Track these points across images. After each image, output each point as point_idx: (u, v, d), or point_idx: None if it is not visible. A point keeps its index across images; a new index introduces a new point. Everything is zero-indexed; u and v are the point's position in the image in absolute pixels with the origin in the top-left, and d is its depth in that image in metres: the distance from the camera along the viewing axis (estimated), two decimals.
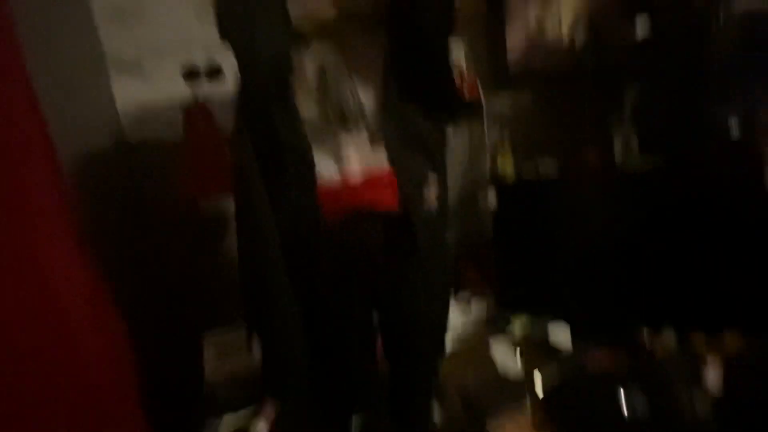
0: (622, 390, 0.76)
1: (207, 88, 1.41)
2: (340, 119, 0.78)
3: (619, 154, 1.36)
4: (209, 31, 1.38)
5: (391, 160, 0.82)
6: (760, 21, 1.11)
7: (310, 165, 0.78)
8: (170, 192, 1.35)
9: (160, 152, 1.39)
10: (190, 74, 1.41)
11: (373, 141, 0.82)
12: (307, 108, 0.78)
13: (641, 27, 1.33)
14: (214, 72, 1.43)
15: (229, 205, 1.35)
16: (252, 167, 0.79)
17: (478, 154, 1.78)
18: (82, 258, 0.97)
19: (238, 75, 0.79)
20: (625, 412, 0.75)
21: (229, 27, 0.73)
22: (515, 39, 1.74)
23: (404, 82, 0.81)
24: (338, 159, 0.81)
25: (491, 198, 1.56)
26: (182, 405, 1.13)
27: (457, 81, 1.73)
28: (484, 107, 1.74)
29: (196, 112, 1.22)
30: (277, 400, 1.00)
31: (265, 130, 0.77)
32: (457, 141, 1.78)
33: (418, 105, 0.84)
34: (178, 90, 1.39)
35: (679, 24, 1.23)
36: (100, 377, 0.89)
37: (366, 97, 0.80)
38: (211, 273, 1.37)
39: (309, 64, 0.78)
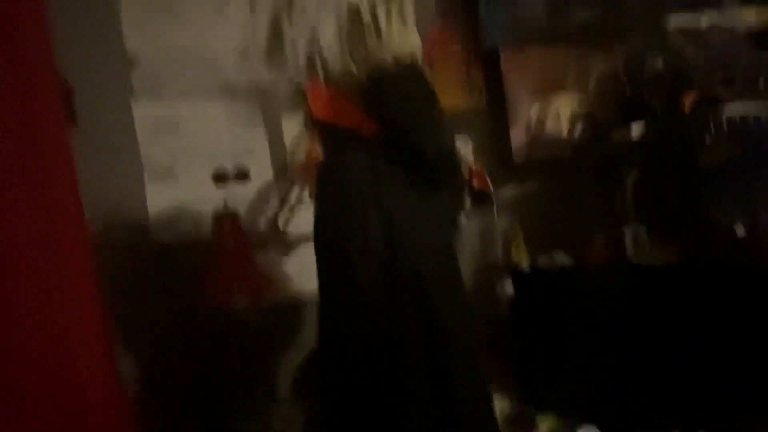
0: None
1: (234, 190, 1.50)
2: None
3: (630, 246, 1.41)
4: (238, 139, 1.52)
5: None
6: (752, 127, 1.21)
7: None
8: (197, 292, 1.38)
9: (187, 252, 1.43)
10: (219, 177, 1.51)
11: None
12: None
13: (636, 129, 1.45)
14: (242, 175, 1.53)
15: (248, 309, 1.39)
16: None
17: (489, 241, 1.84)
18: (111, 354, 0.98)
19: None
20: None
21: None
22: (518, 133, 1.88)
23: None
24: None
25: (508, 286, 1.58)
26: None
27: (467, 174, 1.84)
28: (493, 196, 1.84)
29: (225, 219, 1.29)
30: None
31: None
32: (469, 230, 1.84)
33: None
34: (207, 192, 1.48)
35: (672, 130, 1.34)
36: None
37: None
38: (234, 375, 1.36)
39: None
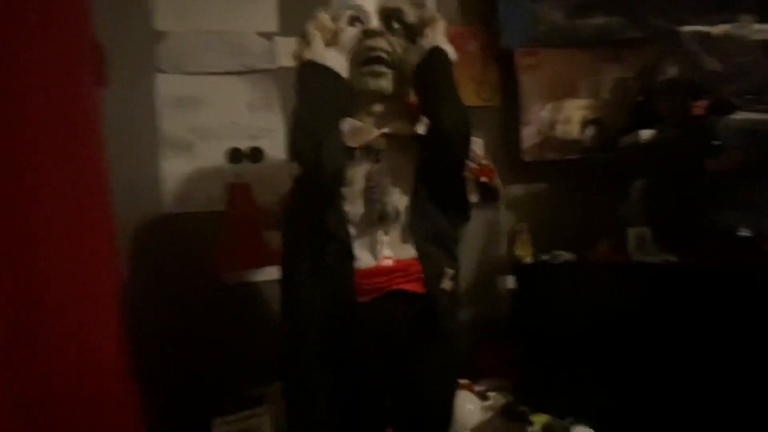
0: None
1: (248, 169, 1.54)
2: (380, 220, 0.97)
3: (633, 246, 1.41)
4: (256, 120, 1.56)
5: (418, 253, 1.00)
6: (763, 133, 1.22)
7: (350, 254, 0.96)
8: (201, 262, 1.41)
9: (196, 224, 1.47)
10: (234, 155, 1.55)
11: (403, 238, 1.00)
12: (354, 209, 0.97)
13: (644, 135, 1.47)
14: (256, 154, 1.56)
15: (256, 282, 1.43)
16: (301, 251, 0.97)
17: (494, 237, 1.85)
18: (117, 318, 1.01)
19: (300, 179, 1.00)
20: None
21: (301, 149, 0.93)
22: (529, 133, 1.90)
23: (429, 189, 1.01)
24: (374, 251, 0.98)
25: (510, 280, 1.59)
26: None
27: (476, 170, 1.87)
28: (501, 193, 1.86)
29: (237, 189, 1.32)
30: None
31: (316, 224, 0.95)
32: (474, 224, 1.86)
33: (439, 208, 1.03)
34: (221, 167, 1.53)
35: (680, 135, 1.35)
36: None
37: (400, 201, 0.99)
38: (228, 350, 1.38)
39: (358, 175, 0.98)
